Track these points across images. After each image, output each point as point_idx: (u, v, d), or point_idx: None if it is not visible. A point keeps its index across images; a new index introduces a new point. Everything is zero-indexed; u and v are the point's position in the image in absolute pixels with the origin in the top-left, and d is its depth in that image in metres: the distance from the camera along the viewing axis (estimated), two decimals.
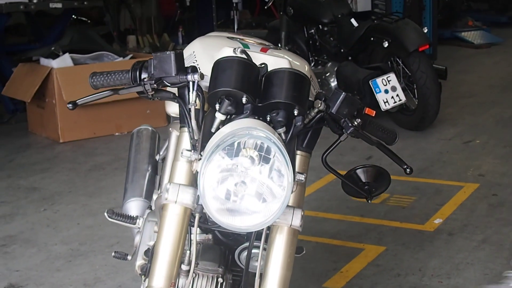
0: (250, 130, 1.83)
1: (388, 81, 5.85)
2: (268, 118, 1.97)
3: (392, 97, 5.83)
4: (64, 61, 6.61)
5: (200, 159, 1.89)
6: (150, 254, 2.42)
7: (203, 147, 1.92)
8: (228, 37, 2.54)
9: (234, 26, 10.47)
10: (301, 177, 1.96)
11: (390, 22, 6.21)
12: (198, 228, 2.03)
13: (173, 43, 10.34)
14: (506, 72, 8.70)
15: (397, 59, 6.18)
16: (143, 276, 2.56)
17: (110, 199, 5.00)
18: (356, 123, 2.02)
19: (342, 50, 6.59)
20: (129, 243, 4.12)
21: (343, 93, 2.01)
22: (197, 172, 1.88)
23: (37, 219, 4.71)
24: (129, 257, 3.02)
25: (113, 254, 3.07)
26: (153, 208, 2.87)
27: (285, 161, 1.81)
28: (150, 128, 3.45)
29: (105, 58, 6.93)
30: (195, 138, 1.95)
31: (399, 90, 5.87)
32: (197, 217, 1.96)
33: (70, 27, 7.66)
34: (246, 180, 1.83)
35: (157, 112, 6.95)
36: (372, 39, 6.33)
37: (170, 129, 2.42)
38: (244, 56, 2.09)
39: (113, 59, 6.93)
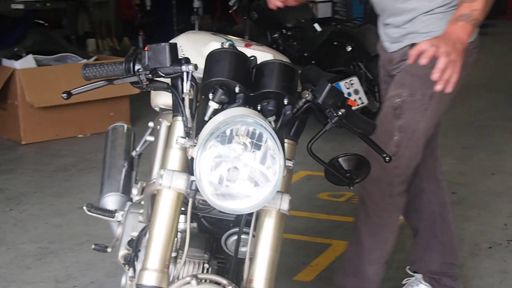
0: (243, 117, 1.91)
1: (351, 84, 6.00)
2: (259, 107, 2.05)
3: (355, 99, 5.97)
4: (28, 62, 6.61)
5: (195, 145, 1.97)
6: (135, 243, 2.54)
7: (197, 134, 2.00)
8: (211, 33, 2.62)
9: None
10: (290, 163, 2.05)
11: (353, 27, 6.37)
12: (184, 216, 2.11)
13: (134, 47, 10.40)
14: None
15: (359, 63, 6.33)
16: (126, 266, 2.64)
17: (76, 199, 5.03)
18: (340, 113, 2.10)
19: (305, 54, 6.73)
20: (99, 240, 4.20)
21: (329, 84, 2.10)
22: (192, 158, 1.96)
23: (4, 219, 4.75)
24: (109, 249, 3.11)
25: (93, 246, 3.15)
26: (134, 200, 2.96)
27: (277, 146, 1.89)
28: (125, 125, 3.55)
29: (69, 60, 6.95)
30: (189, 126, 2.02)
31: (362, 93, 6.02)
32: (190, 201, 2.03)
33: (31, 28, 7.65)
34: (238, 165, 1.90)
35: (120, 115, 7.00)
36: (335, 43, 6.47)
37: (161, 119, 2.48)
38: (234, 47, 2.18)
39: (77, 60, 6.96)
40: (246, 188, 1.91)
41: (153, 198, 2.32)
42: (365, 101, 6.01)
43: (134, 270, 2.53)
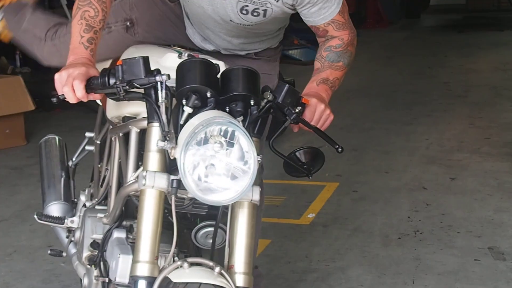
0: (218, 119, 2.11)
1: None
2: (227, 109, 2.25)
3: None
4: None
5: (175, 147, 2.14)
6: (101, 244, 2.68)
7: (175, 138, 2.17)
8: (156, 46, 2.79)
9: None
10: (259, 158, 2.23)
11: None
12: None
13: (11, 66, 10.33)
14: None
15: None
16: (92, 266, 2.80)
17: None
18: (297, 110, 2.35)
19: None
20: (26, 250, 4.37)
21: (287, 85, 2.33)
22: (174, 158, 2.15)
23: None
24: (64, 254, 3.30)
25: (49, 252, 3.36)
26: (88, 205, 3.14)
27: (250, 142, 2.10)
28: (56, 137, 3.75)
29: None
30: (166, 129, 2.18)
31: None
32: (173, 198, 2.19)
33: None
34: (215, 162, 2.10)
35: (15, 131, 7.05)
36: None
37: (130, 127, 2.58)
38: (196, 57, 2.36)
39: None
40: (224, 182, 2.11)
41: (125, 199, 2.52)
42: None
43: (101, 269, 2.71)
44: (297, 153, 2.47)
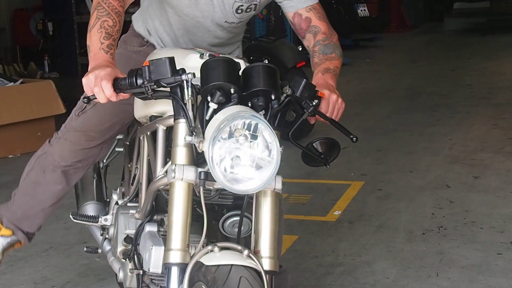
0: (242, 113, 2.23)
1: None
2: (250, 104, 2.37)
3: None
4: None
5: (202, 141, 2.27)
6: (134, 238, 2.85)
7: (202, 132, 2.30)
8: (179, 48, 2.92)
9: None
10: (281, 149, 2.33)
11: (268, 42, 6.80)
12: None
13: (40, 71, 10.57)
14: (360, 88, 9.51)
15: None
16: (127, 260, 2.97)
17: None
18: (314, 103, 2.45)
19: None
20: (61, 246, 4.53)
21: (304, 79, 2.44)
22: (202, 152, 2.28)
23: None
24: (99, 250, 3.48)
25: (85, 249, 3.56)
26: (120, 203, 3.30)
27: (273, 133, 2.22)
28: None
29: None
30: (193, 125, 2.31)
31: None
32: (201, 189, 2.33)
33: None
34: (240, 154, 2.22)
35: (47, 134, 7.19)
36: (251, 58, 6.89)
37: (157, 125, 2.71)
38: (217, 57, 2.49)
39: (3, 84, 7.15)
40: (249, 172, 2.23)
41: (155, 194, 2.68)
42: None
43: (135, 262, 2.87)
44: (314, 144, 2.58)
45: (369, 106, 8.33)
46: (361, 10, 13.89)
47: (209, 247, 2.29)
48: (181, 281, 2.29)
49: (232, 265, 2.22)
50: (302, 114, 2.47)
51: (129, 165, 3.41)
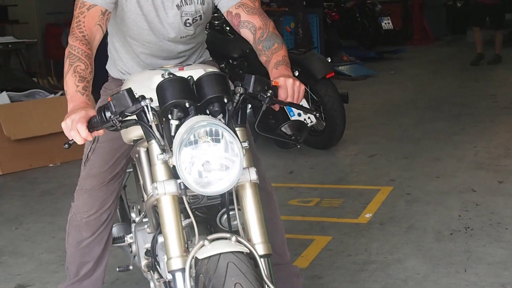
0: (200, 123, 2.43)
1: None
2: (208, 111, 2.59)
3: (304, 119, 6.70)
4: (2, 98, 7.10)
5: (171, 156, 2.49)
6: (151, 251, 3.06)
7: (170, 148, 2.52)
8: (149, 70, 3.12)
9: None
10: (245, 144, 2.57)
11: (298, 54, 7.06)
12: (181, 215, 2.58)
13: None
14: (385, 99, 9.76)
15: (306, 87, 7.03)
16: (150, 271, 3.21)
17: None
18: (269, 94, 2.64)
19: None
20: None
21: (253, 76, 2.64)
22: (173, 166, 2.48)
23: (13, 236, 5.24)
24: (130, 267, 3.75)
25: (117, 269, 3.79)
26: (136, 221, 3.57)
27: (232, 135, 2.43)
28: None
29: (37, 96, 7.44)
30: (162, 144, 2.54)
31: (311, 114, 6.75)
32: (184, 198, 2.54)
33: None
34: (208, 159, 2.42)
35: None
36: (240, 71, 7.18)
37: (138, 148, 2.97)
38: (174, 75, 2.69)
39: (45, 96, 7.46)
40: (220, 174, 2.43)
41: (153, 209, 2.92)
42: (314, 120, 6.71)
43: (158, 272, 3.08)
44: (282, 128, 2.79)
45: (395, 116, 8.59)
46: (385, 23, 14.17)
47: (201, 242, 2.46)
48: None
49: (220, 253, 2.39)
50: (260, 106, 2.66)
51: (139, 183, 3.68)
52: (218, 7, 3.17)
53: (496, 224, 4.83)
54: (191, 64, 3.08)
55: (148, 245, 3.18)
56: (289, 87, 2.74)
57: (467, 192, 5.59)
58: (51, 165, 7.30)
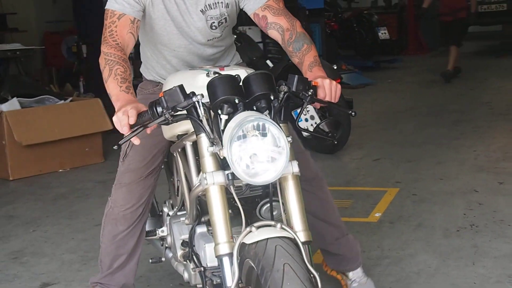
0: (249, 118, 2.59)
1: (307, 111, 6.91)
2: (254, 108, 2.70)
3: (312, 124, 6.90)
4: (13, 104, 7.24)
5: (221, 149, 2.62)
6: (189, 241, 3.27)
7: (220, 141, 2.66)
8: (189, 69, 3.30)
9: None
10: (289, 139, 2.68)
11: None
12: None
13: (76, 92, 11.03)
14: (385, 106, 9.97)
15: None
16: (187, 261, 3.41)
17: (89, 219, 5.74)
18: (310, 93, 2.79)
19: None
20: None
21: (296, 76, 2.80)
22: (224, 158, 2.64)
23: (32, 238, 5.41)
24: (162, 259, 3.94)
25: (150, 260, 3.98)
26: (171, 214, 3.76)
27: (278, 128, 2.58)
28: None
29: (47, 102, 7.59)
30: (212, 137, 2.68)
31: (317, 118, 6.94)
32: (232, 188, 2.70)
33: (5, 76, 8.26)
34: (256, 151, 2.57)
35: (94, 150, 7.73)
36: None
37: (184, 142, 3.13)
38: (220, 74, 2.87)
39: (54, 102, 7.62)
40: (266, 165, 2.58)
41: (196, 200, 3.10)
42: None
43: (195, 262, 3.28)
44: (320, 126, 2.99)
45: (396, 122, 8.81)
46: (382, 33, 14.42)
47: (248, 228, 2.60)
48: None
49: (267, 238, 2.53)
50: (302, 104, 2.81)
51: (171, 179, 3.86)
52: (244, 9, 3.33)
53: (499, 222, 5.02)
54: (229, 66, 3.24)
55: (185, 236, 3.39)
56: (327, 87, 2.88)
57: (470, 192, 5.78)
58: (60, 170, 7.49)
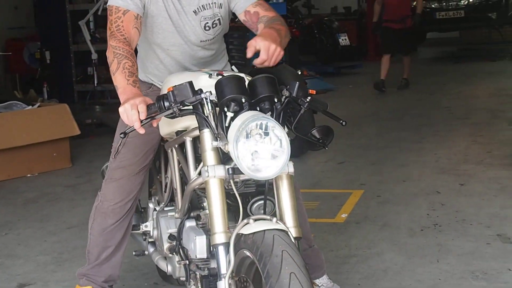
0: (254, 117, 2.71)
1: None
2: (258, 108, 2.83)
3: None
4: None
5: (226, 143, 2.76)
6: (177, 234, 3.39)
7: (225, 136, 2.79)
8: (190, 71, 3.45)
9: (94, 81, 11.28)
10: (289, 139, 2.81)
11: (270, 67, 7.40)
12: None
13: (40, 98, 11.07)
14: (347, 111, 10.13)
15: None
16: (173, 254, 3.52)
17: (60, 222, 5.85)
18: (308, 99, 2.96)
19: None
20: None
21: (297, 82, 2.96)
22: (225, 153, 2.80)
23: (6, 241, 5.48)
24: (146, 252, 4.07)
25: (134, 253, 4.10)
26: (151, 211, 3.93)
27: (281, 128, 2.72)
28: None
29: (15, 107, 7.65)
30: (216, 132, 2.83)
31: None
32: (232, 182, 2.84)
33: None
34: (258, 149, 2.68)
35: (62, 155, 7.80)
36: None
37: (184, 137, 3.23)
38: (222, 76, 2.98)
39: (22, 107, 7.68)
40: (267, 162, 2.71)
41: (192, 194, 3.21)
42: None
43: (181, 254, 3.41)
44: (312, 132, 3.10)
45: (359, 127, 9.00)
46: (342, 39, 14.65)
47: (245, 220, 2.75)
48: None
49: (265, 230, 2.66)
50: (300, 109, 2.97)
51: (158, 177, 3.99)
52: (234, 10, 3.47)
53: (461, 221, 5.22)
54: (226, 70, 3.37)
55: (172, 230, 3.51)
56: (266, 49, 3.01)
57: (432, 193, 5.98)
58: (29, 175, 7.54)
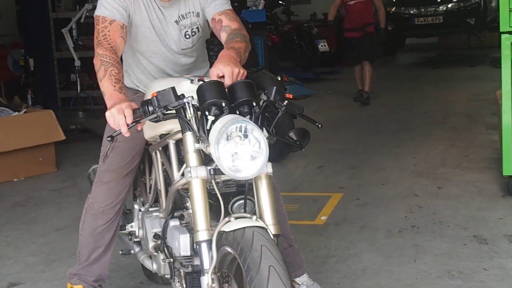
0: (234, 120, 2.85)
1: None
2: (237, 112, 2.96)
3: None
4: None
5: (208, 145, 2.89)
6: (162, 233, 3.55)
7: (207, 139, 2.93)
8: (171, 77, 3.63)
9: (77, 88, 11.37)
10: (267, 141, 2.96)
11: (250, 73, 7.55)
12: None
13: (25, 104, 11.16)
14: (326, 116, 10.29)
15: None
16: (158, 252, 3.68)
17: (48, 225, 5.99)
18: (285, 103, 3.11)
19: None
20: None
21: (275, 86, 3.12)
22: (208, 154, 2.93)
23: None
24: (132, 251, 4.22)
25: (120, 252, 4.26)
26: (142, 210, 4.03)
27: (259, 131, 2.86)
28: None
29: (1, 113, 7.79)
30: (198, 135, 2.96)
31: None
32: (213, 182, 2.96)
33: None
34: (238, 151, 2.83)
35: (47, 159, 7.93)
36: None
37: (168, 140, 3.39)
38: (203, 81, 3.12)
39: (9, 113, 7.82)
40: (247, 163, 2.85)
41: (175, 194, 3.37)
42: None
43: (165, 253, 3.55)
44: (290, 134, 3.25)
45: (338, 131, 9.18)
46: (322, 45, 14.81)
47: (226, 219, 2.90)
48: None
49: (245, 227, 2.81)
50: (277, 113, 3.12)
51: (143, 179, 4.14)
52: (206, 16, 3.63)
53: (438, 223, 5.40)
54: (207, 76, 3.46)
55: (156, 230, 3.67)
56: (229, 76, 3.08)
57: (410, 196, 6.16)
58: (15, 179, 7.66)
